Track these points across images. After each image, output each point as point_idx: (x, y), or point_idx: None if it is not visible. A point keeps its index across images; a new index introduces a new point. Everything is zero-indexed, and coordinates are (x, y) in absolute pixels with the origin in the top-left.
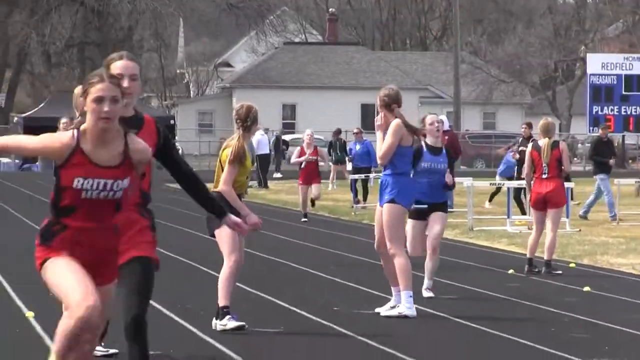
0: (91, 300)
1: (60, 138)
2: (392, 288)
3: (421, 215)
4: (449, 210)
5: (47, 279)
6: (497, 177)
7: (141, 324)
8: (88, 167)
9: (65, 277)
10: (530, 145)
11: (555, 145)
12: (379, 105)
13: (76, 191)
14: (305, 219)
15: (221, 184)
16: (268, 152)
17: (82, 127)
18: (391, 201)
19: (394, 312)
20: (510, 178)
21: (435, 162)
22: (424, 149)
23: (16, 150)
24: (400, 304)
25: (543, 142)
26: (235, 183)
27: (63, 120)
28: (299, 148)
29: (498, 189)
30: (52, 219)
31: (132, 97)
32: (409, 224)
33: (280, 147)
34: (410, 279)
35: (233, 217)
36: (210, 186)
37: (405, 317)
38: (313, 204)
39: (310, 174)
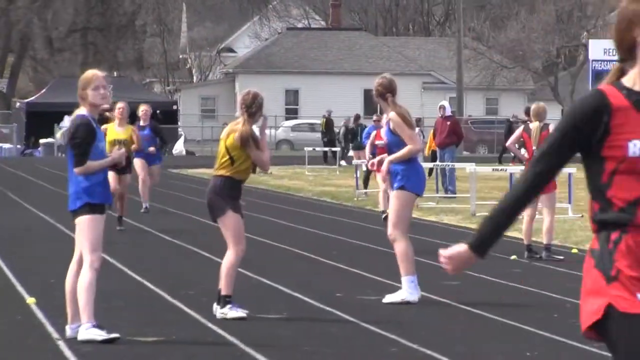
0: None
1: None
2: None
3: None
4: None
5: None
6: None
7: None
8: None
9: None
10: (522, 127)
11: (544, 128)
12: (374, 95)
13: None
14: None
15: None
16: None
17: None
18: (401, 188)
19: (397, 299)
20: None
21: None
22: None
23: None
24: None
25: (534, 125)
26: (242, 167)
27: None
28: (374, 132)
29: None
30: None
31: None
32: None
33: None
34: (413, 264)
35: None
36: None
37: (408, 302)
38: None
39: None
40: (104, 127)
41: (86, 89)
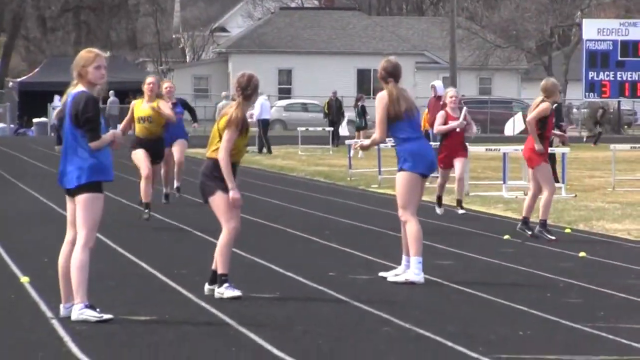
0: None
1: None
2: (404, 257)
3: None
4: None
5: None
6: None
7: None
8: None
9: None
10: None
11: (557, 108)
12: (378, 77)
13: None
14: (441, 210)
15: (220, 152)
16: (269, 117)
17: None
18: (401, 170)
19: (401, 279)
20: None
21: None
22: None
23: None
24: (407, 270)
25: (535, 101)
26: (233, 151)
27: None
28: (442, 113)
29: None
30: None
31: None
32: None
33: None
34: (421, 245)
35: None
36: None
37: (412, 283)
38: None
39: (457, 146)
40: (132, 104)
41: (87, 66)
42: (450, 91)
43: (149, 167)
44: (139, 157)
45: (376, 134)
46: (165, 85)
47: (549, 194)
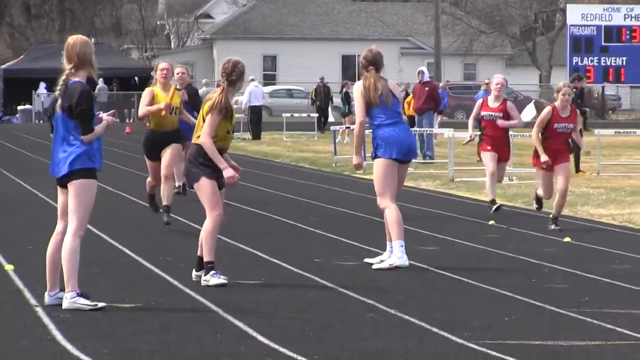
0: None
1: None
2: (388, 243)
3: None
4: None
5: None
6: None
7: None
8: None
9: None
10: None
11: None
12: (361, 66)
13: None
14: (496, 207)
15: (202, 136)
16: (261, 103)
17: None
18: (375, 156)
19: (386, 265)
20: None
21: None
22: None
23: None
24: (391, 256)
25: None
26: (216, 137)
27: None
28: (480, 100)
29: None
30: None
31: None
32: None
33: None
34: (402, 229)
35: None
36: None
37: (397, 267)
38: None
39: (498, 141)
40: (149, 90)
41: (92, 54)
42: (497, 78)
43: (158, 174)
44: (153, 166)
45: (357, 118)
46: (177, 70)
47: (537, 189)
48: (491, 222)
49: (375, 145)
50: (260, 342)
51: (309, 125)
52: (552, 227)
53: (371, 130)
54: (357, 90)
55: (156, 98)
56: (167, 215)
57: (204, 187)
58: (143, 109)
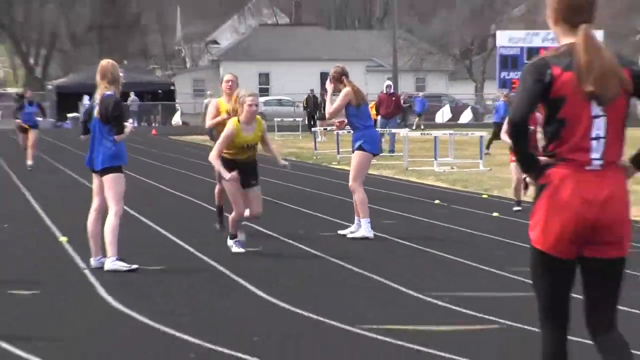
0: None
1: None
2: (355, 217)
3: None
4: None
5: None
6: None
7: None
8: None
9: None
10: None
11: None
12: (331, 77)
13: None
14: (519, 208)
15: (210, 155)
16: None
17: None
18: (359, 148)
19: (358, 235)
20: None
21: None
22: None
23: None
24: (360, 229)
25: None
26: (231, 149)
27: (227, 77)
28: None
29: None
30: None
31: None
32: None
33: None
34: (367, 209)
35: None
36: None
37: (366, 238)
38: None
39: None
40: (214, 101)
41: (119, 72)
42: None
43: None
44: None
45: (328, 108)
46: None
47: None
48: (437, 201)
49: (363, 141)
50: (267, 300)
51: (294, 128)
52: (515, 208)
53: (351, 128)
54: (346, 95)
55: (220, 109)
56: (221, 226)
57: (228, 187)
58: (209, 121)
